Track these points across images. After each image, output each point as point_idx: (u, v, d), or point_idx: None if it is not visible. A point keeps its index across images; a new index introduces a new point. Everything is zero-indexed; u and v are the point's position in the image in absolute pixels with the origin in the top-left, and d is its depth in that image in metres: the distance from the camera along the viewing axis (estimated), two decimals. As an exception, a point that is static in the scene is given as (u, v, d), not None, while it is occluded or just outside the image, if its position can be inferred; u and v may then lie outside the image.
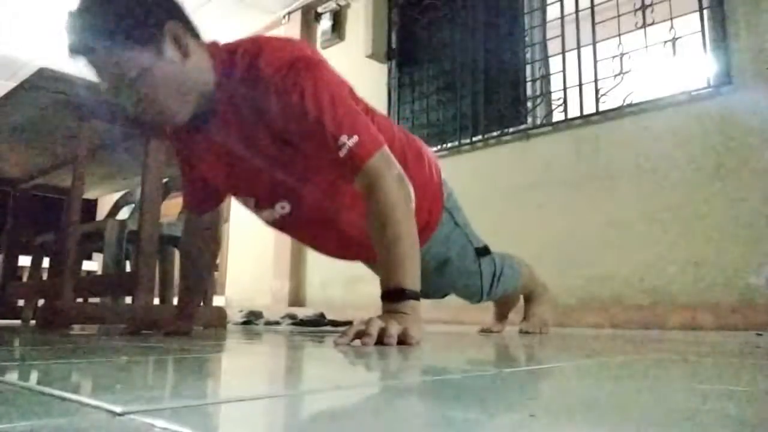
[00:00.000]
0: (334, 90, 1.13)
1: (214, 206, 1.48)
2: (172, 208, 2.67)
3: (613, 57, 2.82)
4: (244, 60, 1.14)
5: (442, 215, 1.47)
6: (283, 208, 1.30)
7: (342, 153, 1.09)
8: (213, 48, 1.19)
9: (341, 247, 1.42)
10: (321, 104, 1.10)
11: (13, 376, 0.57)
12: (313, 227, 1.36)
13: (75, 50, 1.12)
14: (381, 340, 0.97)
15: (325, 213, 1.31)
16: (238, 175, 1.29)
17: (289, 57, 1.13)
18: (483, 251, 1.58)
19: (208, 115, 1.20)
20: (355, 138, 1.09)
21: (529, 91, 3.20)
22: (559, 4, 3.08)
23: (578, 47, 2.95)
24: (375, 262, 1.38)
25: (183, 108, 1.17)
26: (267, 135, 1.16)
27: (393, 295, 1.07)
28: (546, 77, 3.15)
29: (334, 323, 2.61)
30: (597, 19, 2.90)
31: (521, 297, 1.87)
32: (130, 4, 1.10)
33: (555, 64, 3.12)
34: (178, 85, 1.14)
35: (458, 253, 1.52)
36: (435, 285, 1.52)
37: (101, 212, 5.72)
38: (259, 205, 1.34)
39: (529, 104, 3.17)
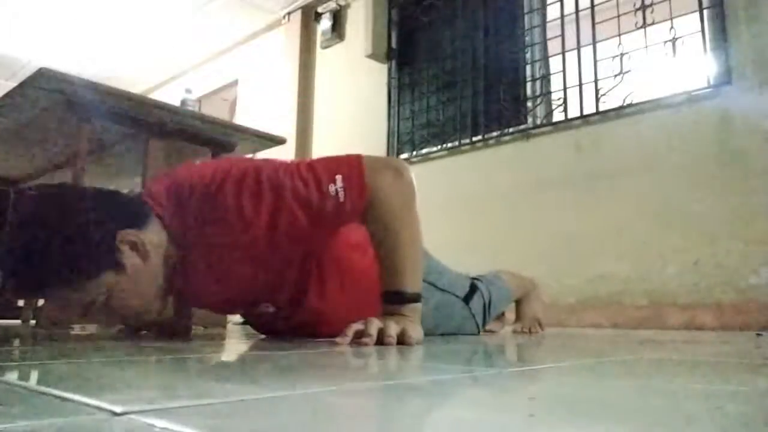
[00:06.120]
0: (289, 167, 1.09)
1: None
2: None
3: (613, 57, 2.81)
4: (196, 198, 1.07)
5: (426, 289, 1.28)
6: (267, 308, 1.26)
7: (342, 198, 1.06)
8: (156, 209, 1.11)
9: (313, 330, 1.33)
10: (293, 190, 1.05)
11: (13, 376, 0.57)
12: (292, 318, 1.29)
13: (29, 296, 1.07)
14: (380, 340, 0.98)
15: (306, 301, 1.24)
16: (223, 296, 1.24)
17: (237, 174, 1.07)
18: (470, 294, 1.56)
19: (181, 272, 1.14)
20: (339, 177, 1.07)
21: (529, 91, 3.19)
22: (559, 4, 3.08)
23: (578, 47, 2.95)
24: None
25: (160, 298, 1.14)
26: (242, 253, 1.10)
27: (393, 298, 1.08)
28: (546, 77, 3.15)
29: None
30: (597, 19, 2.90)
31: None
32: (74, 237, 1.00)
33: (555, 64, 3.12)
34: (148, 286, 1.10)
35: (450, 314, 1.50)
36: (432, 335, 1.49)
37: (101, 212, 5.71)
38: (241, 311, 1.34)
39: (529, 104, 3.17)
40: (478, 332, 1.61)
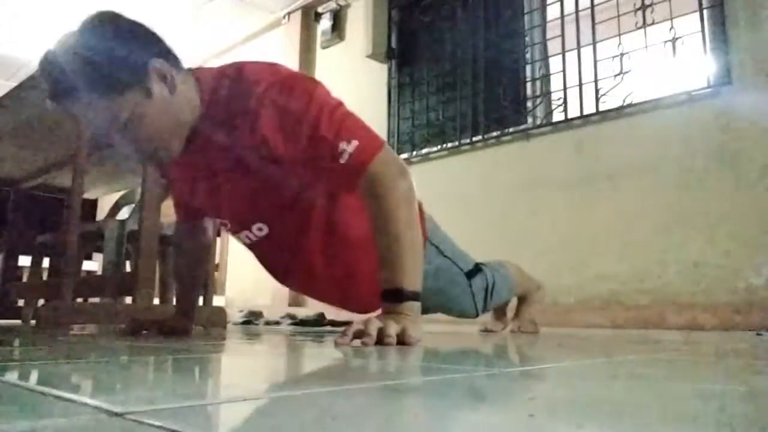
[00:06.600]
0: (327, 99, 1.12)
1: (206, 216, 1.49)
2: (172, 208, 2.66)
3: (613, 57, 2.82)
4: (231, 80, 1.14)
5: (429, 250, 1.37)
6: (260, 230, 1.28)
7: (342, 160, 1.08)
8: (198, 73, 1.19)
9: (313, 283, 1.38)
10: (316, 114, 1.08)
11: (13, 376, 0.57)
12: (289, 255, 1.32)
13: (58, 99, 1.11)
14: (380, 340, 0.98)
15: (305, 241, 1.28)
16: (220, 196, 1.27)
17: (278, 74, 1.13)
18: (473, 272, 1.56)
19: (194, 139, 1.19)
20: (355, 143, 1.08)
21: (529, 91, 3.19)
22: (559, 4, 3.08)
23: (578, 47, 2.95)
24: (351, 308, 1.40)
25: (177, 141, 1.17)
26: (254, 155, 1.14)
27: (392, 296, 1.08)
28: (546, 77, 3.15)
29: (334, 323, 2.61)
30: (597, 19, 2.90)
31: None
32: (112, 49, 1.07)
33: (555, 64, 3.12)
34: (169, 122, 1.13)
35: (449, 282, 1.51)
36: (428, 310, 1.48)
37: (101, 212, 5.73)
38: (236, 228, 1.34)
39: (529, 104, 3.17)
40: (476, 315, 1.60)
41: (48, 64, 1.09)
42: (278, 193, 1.22)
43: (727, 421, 0.37)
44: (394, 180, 1.10)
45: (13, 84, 1.93)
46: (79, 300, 2.20)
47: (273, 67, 1.16)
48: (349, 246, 1.29)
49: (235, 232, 1.35)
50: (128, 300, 2.16)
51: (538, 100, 3.14)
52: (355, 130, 1.10)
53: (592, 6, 2.92)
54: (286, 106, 1.09)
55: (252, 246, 1.37)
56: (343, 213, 1.27)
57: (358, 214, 1.25)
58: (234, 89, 1.13)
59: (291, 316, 2.90)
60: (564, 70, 3.00)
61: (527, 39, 3.24)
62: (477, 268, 1.59)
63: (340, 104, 1.14)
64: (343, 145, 1.08)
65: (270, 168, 1.15)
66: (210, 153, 1.19)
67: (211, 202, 1.32)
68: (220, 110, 1.14)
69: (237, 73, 1.14)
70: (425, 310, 1.24)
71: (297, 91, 1.10)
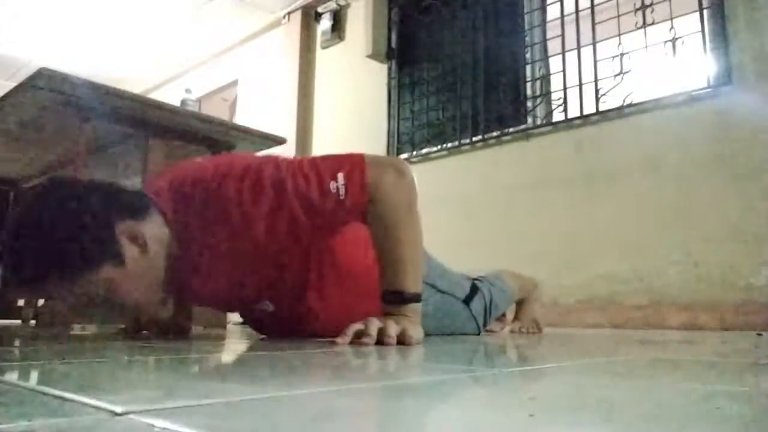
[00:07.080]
0: (290, 164, 1.10)
1: None
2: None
3: (613, 57, 2.82)
4: (198, 190, 1.09)
5: (425, 290, 1.25)
6: (266, 305, 1.26)
7: (342, 195, 1.06)
8: (156, 200, 1.12)
9: (316, 326, 1.33)
10: (298, 186, 1.06)
11: (13, 376, 0.57)
12: (293, 313, 1.28)
13: (29, 287, 1.07)
14: (380, 340, 0.98)
15: (304, 301, 1.24)
16: (225, 294, 1.24)
17: (239, 169, 1.09)
18: (470, 295, 1.55)
19: (179, 268, 1.14)
20: (341, 175, 1.07)
21: (529, 91, 3.19)
22: (559, 4, 3.08)
23: (578, 47, 2.95)
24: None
25: (159, 290, 1.13)
26: (249, 251, 1.11)
27: (393, 298, 1.08)
28: (546, 77, 3.15)
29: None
30: (597, 19, 2.90)
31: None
32: (75, 227, 1.00)
33: (555, 64, 3.12)
34: (148, 280, 1.09)
35: (449, 315, 1.50)
36: (430, 335, 1.47)
37: (101, 212, 5.71)
38: (239, 310, 1.33)
39: (529, 104, 3.17)
40: (479, 333, 1.61)
41: (11, 255, 1.02)
42: (279, 270, 1.18)
43: (727, 422, 0.37)
44: (392, 184, 1.10)
45: (13, 84, 1.93)
46: (79, 300, 2.20)
47: (230, 161, 1.13)
48: (350, 281, 1.26)
49: (233, 311, 1.34)
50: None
51: (538, 100, 3.14)
52: (331, 166, 1.09)
53: (592, 6, 2.92)
54: (268, 193, 1.06)
55: (253, 317, 1.36)
56: (337, 262, 1.24)
57: (351, 253, 1.24)
58: (204, 198, 1.08)
59: (291, 316, 2.89)
60: (564, 70, 3.00)
61: (527, 39, 3.24)
62: (473, 289, 1.58)
63: (301, 160, 1.12)
64: (333, 185, 1.06)
65: (270, 252, 1.12)
66: (204, 269, 1.15)
67: (217, 302, 1.31)
68: (197, 228, 1.10)
69: (198, 179, 1.09)
70: (426, 335, 1.23)
71: (270, 177, 1.07)
